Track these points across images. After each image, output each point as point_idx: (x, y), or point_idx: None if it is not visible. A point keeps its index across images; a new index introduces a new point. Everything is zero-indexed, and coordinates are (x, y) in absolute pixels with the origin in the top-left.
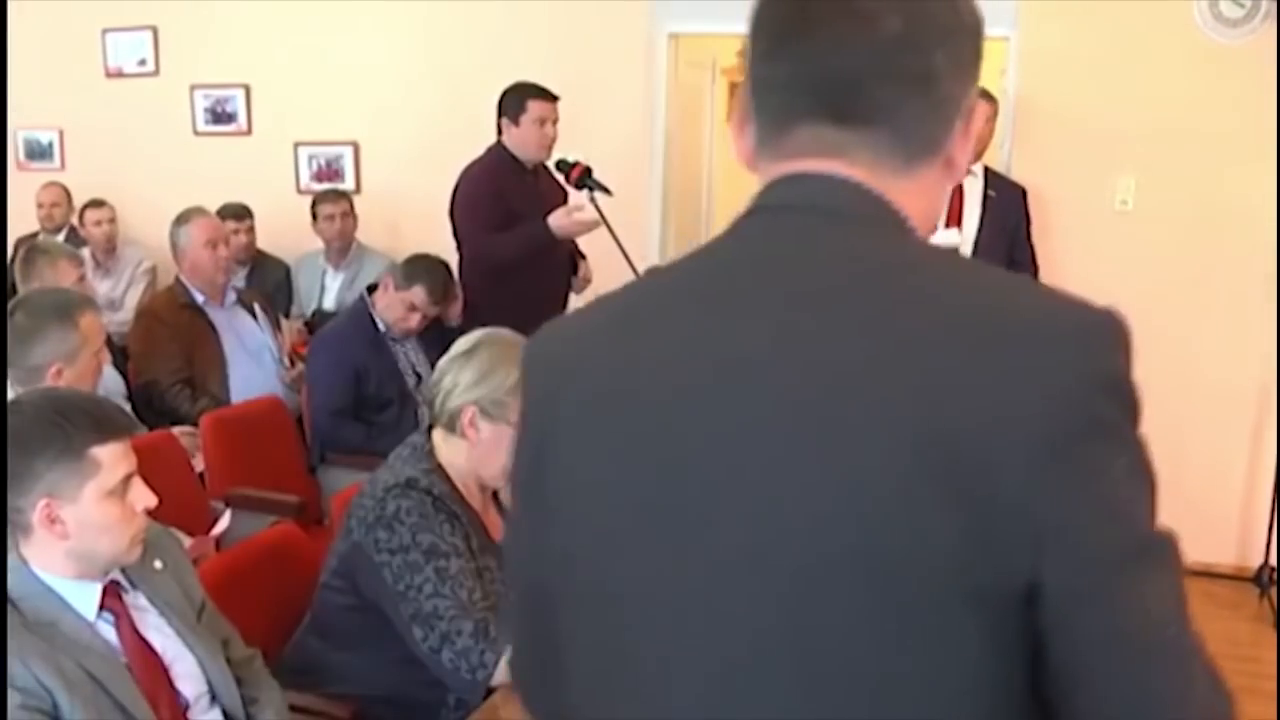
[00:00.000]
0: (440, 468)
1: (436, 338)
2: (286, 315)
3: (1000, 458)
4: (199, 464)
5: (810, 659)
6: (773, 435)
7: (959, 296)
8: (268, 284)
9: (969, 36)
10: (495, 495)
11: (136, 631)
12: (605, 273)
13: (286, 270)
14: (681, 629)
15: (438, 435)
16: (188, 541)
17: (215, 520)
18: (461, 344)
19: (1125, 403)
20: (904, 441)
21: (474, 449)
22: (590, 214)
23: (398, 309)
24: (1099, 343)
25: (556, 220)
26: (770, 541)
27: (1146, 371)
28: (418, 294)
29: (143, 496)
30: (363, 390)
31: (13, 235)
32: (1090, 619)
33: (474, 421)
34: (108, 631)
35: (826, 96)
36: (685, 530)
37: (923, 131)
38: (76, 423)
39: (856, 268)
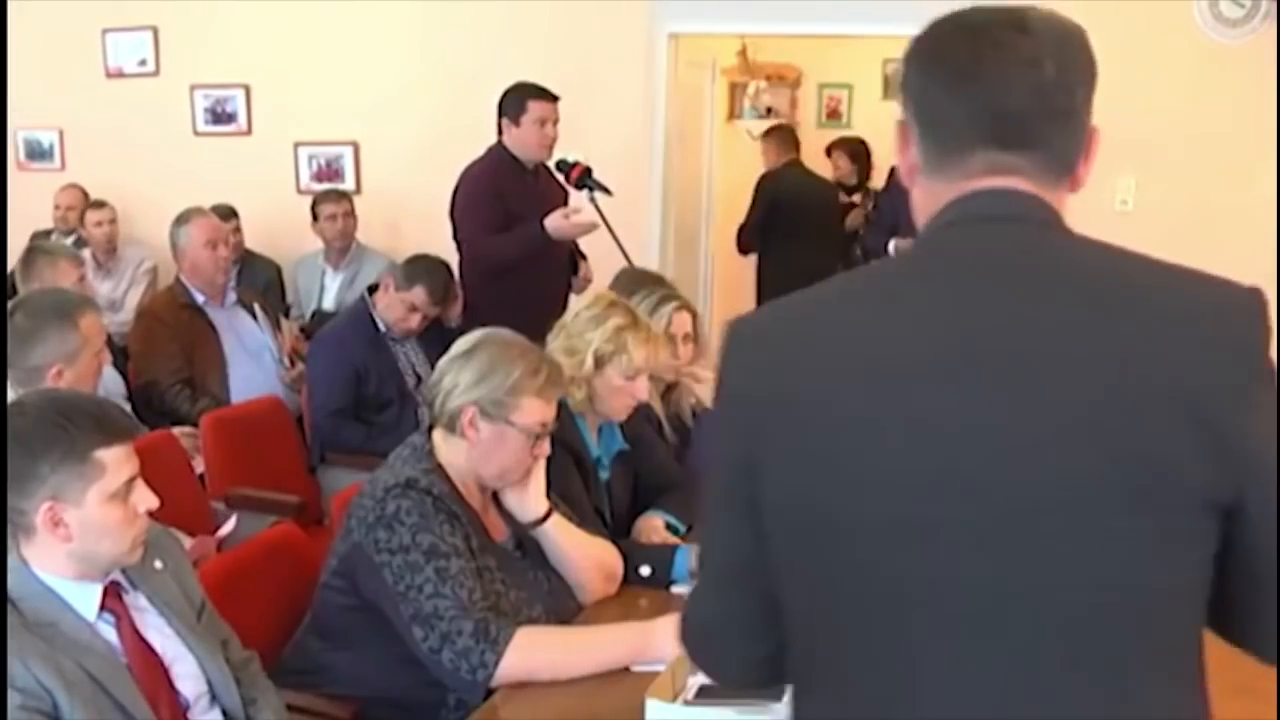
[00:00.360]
0: (440, 468)
1: (436, 338)
2: (286, 315)
3: (1216, 397)
4: (199, 465)
5: (1086, 583)
6: (1040, 395)
7: (1150, 277)
8: (257, 284)
9: (1094, 76)
10: (495, 495)
11: (137, 632)
12: (606, 272)
13: (277, 270)
14: (961, 560)
15: (438, 435)
16: (188, 542)
17: (219, 522)
18: (461, 344)
19: (1271, 358)
20: (1151, 390)
21: (474, 449)
22: (587, 216)
23: (398, 309)
24: (1261, 310)
25: (553, 222)
26: (1049, 482)
27: None
28: (418, 294)
29: (145, 498)
30: (362, 390)
31: (13, 240)
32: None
33: (474, 421)
34: (108, 632)
35: (998, 129)
36: (964, 486)
37: (1067, 155)
38: (81, 425)
39: (1061, 259)
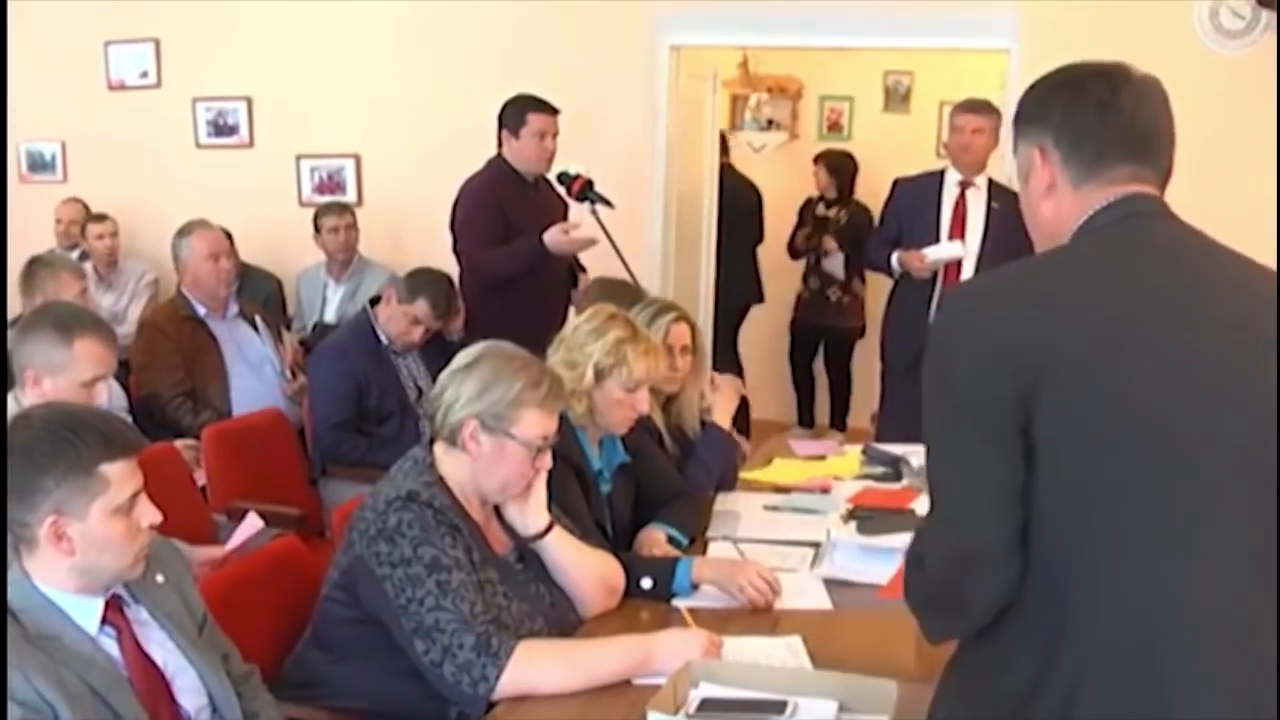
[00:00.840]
0: (442, 481)
1: (438, 351)
2: (288, 328)
3: None
4: (200, 477)
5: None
6: (1223, 341)
7: (1240, 257)
8: (257, 297)
9: (1172, 114)
10: (497, 507)
11: (138, 646)
12: None
13: (276, 283)
14: (1193, 499)
15: (439, 448)
16: (195, 552)
17: (221, 535)
18: (463, 357)
19: None
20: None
21: (475, 462)
22: (586, 232)
23: (400, 322)
24: None
25: (552, 237)
26: (1258, 430)
27: None
28: (421, 308)
29: (148, 513)
30: (364, 403)
31: (15, 253)
32: None
33: (475, 435)
34: (109, 645)
35: (1135, 146)
36: (1198, 446)
37: (1169, 167)
38: (86, 439)
39: (1198, 242)
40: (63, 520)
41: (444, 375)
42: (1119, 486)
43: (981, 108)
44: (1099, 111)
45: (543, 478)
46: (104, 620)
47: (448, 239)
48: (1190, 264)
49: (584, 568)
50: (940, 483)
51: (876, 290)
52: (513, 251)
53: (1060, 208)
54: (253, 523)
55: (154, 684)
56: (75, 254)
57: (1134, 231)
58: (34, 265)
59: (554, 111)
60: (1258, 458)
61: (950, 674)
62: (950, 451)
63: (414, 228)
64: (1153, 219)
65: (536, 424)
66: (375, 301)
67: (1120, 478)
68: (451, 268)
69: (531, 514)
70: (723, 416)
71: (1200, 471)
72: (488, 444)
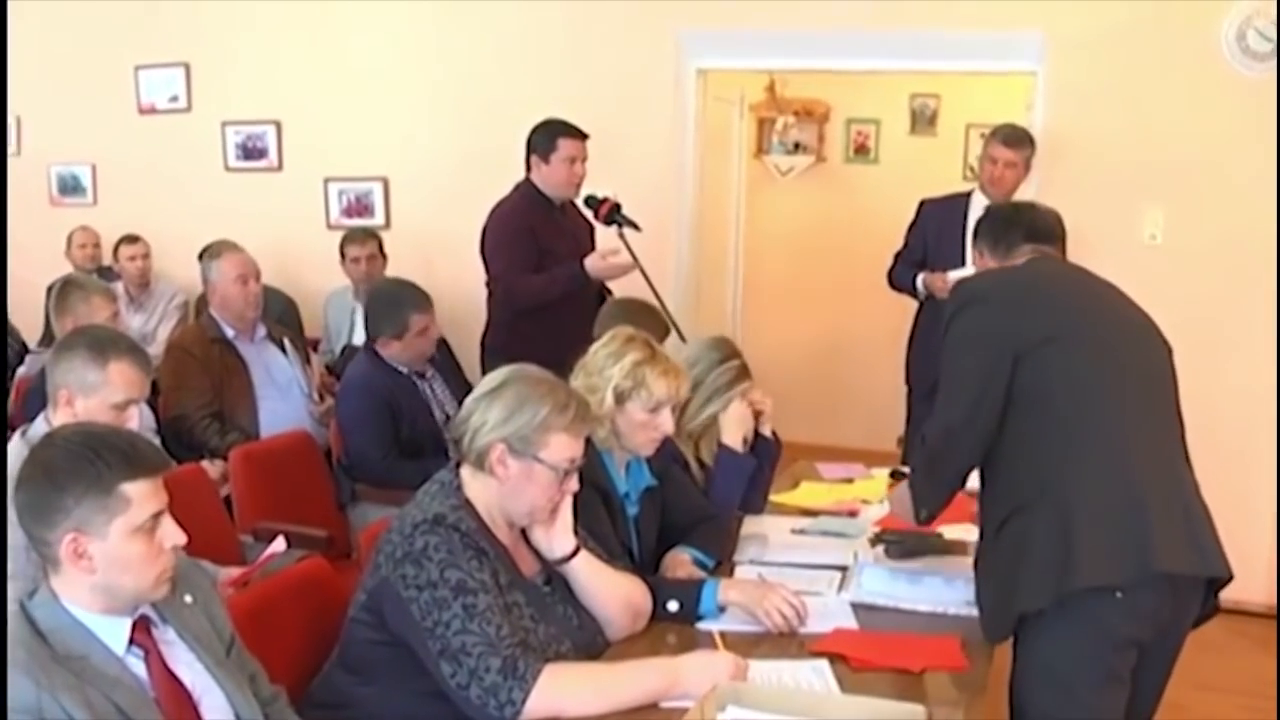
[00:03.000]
0: (468, 504)
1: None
2: (315, 349)
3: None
4: (225, 489)
5: (1163, 401)
6: (1143, 339)
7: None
8: (269, 317)
9: None
10: (524, 530)
11: (166, 667)
12: None
13: (289, 302)
14: (1129, 399)
15: (466, 471)
16: (221, 573)
17: (249, 556)
18: (489, 381)
19: None
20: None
21: (503, 485)
22: (625, 257)
23: (414, 348)
24: None
25: (592, 263)
26: (1154, 370)
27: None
28: (417, 322)
29: (172, 534)
30: (399, 431)
31: (47, 274)
32: None
33: (503, 459)
34: (137, 666)
35: (1040, 236)
36: (1125, 369)
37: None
38: (108, 458)
39: (1081, 269)
40: (82, 539)
41: (470, 399)
42: (1093, 387)
43: (1017, 141)
44: (999, 226)
45: (569, 502)
46: (131, 641)
47: (476, 262)
48: (1082, 273)
49: (610, 591)
50: (942, 391)
51: (898, 312)
52: (553, 278)
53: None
54: (280, 547)
55: (181, 705)
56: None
57: (1033, 263)
58: (67, 287)
59: (584, 136)
60: (1159, 374)
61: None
62: (955, 372)
63: (442, 251)
64: (1049, 259)
65: (564, 447)
66: (372, 340)
67: (1094, 380)
68: (480, 291)
69: (558, 538)
70: (732, 437)
71: (1136, 378)
72: (515, 468)
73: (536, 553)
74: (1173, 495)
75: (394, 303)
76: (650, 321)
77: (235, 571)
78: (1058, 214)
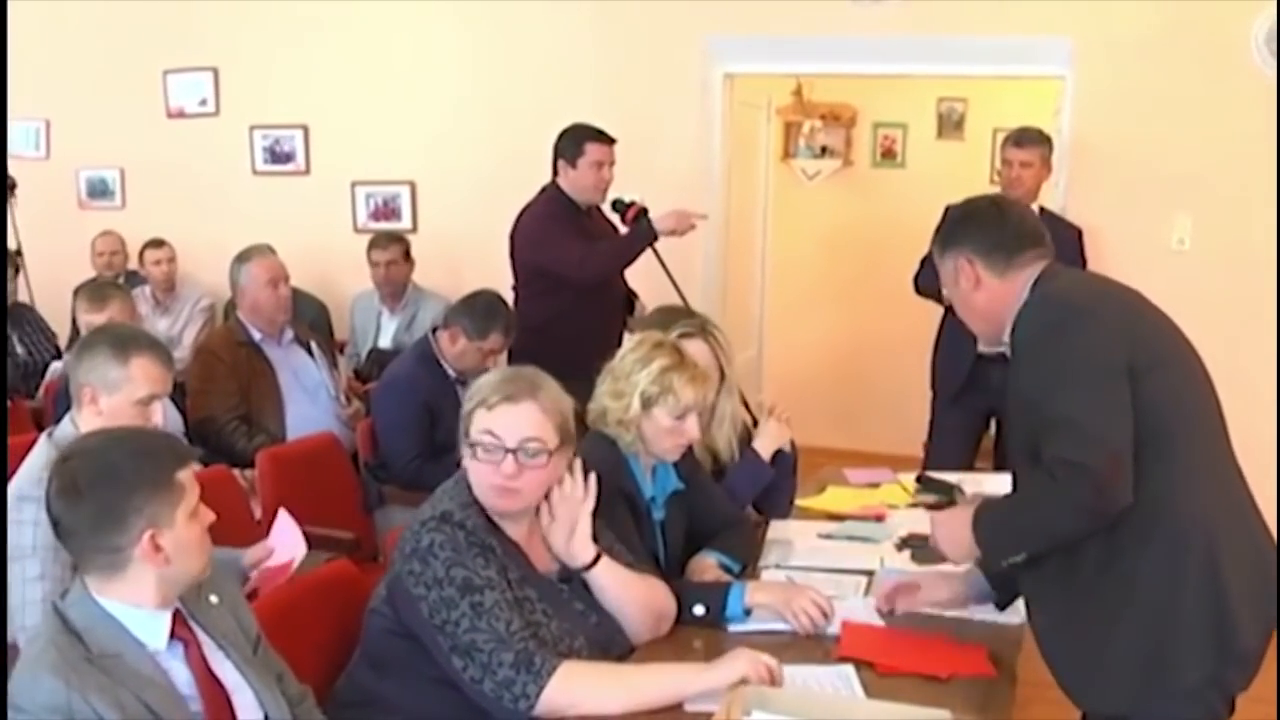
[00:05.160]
0: (478, 501)
1: None
2: (341, 352)
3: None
4: (257, 509)
5: (1221, 422)
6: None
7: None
8: (301, 321)
9: None
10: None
11: (205, 660)
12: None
13: (321, 307)
14: (1207, 422)
15: None
16: (245, 555)
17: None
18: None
19: None
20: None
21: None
22: (695, 208)
23: (475, 358)
24: None
25: (663, 219)
26: (1210, 387)
27: None
28: (495, 341)
29: (207, 514)
30: (434, 434)
31: (74, 277)
32: None
33: (467, 455)
34: (172, 663)
35: (1030, 239)
36: (1211, 395)
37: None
38: (159, 452)
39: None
40: (158, 533)
41: (464, 408)
42: (1200, 415)
43: (1027, 140)
44: (992, 229)
45: (587, 512)
46: (172, 635)
47: (504, 267)
48: (1131, 289)
49: (632, 596)
50: (1084, 417)
51: (924, 317)
52: (619, 241)
53: (992, 294)
54: (285, 523)
55: (218, 700)
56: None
57: (1084, 273)
58: (83, 291)
59: (611, 141)
60: (1215, 410)
61: (1063, 618)
62: (1094, 396)
63: (469, 255)
64: (1073, 269)
65: (482, 420)
66: (440, 328)
67: (1199, 408)
68: (508, 297)
69: (578, 547)
70: (766, 446)
71: (1209, 403)
72: (473, 467)
73: (553, 551)
74: (1267, 534)
75: (490, 313)
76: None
77: (259, 551)
78: (1031, 209)
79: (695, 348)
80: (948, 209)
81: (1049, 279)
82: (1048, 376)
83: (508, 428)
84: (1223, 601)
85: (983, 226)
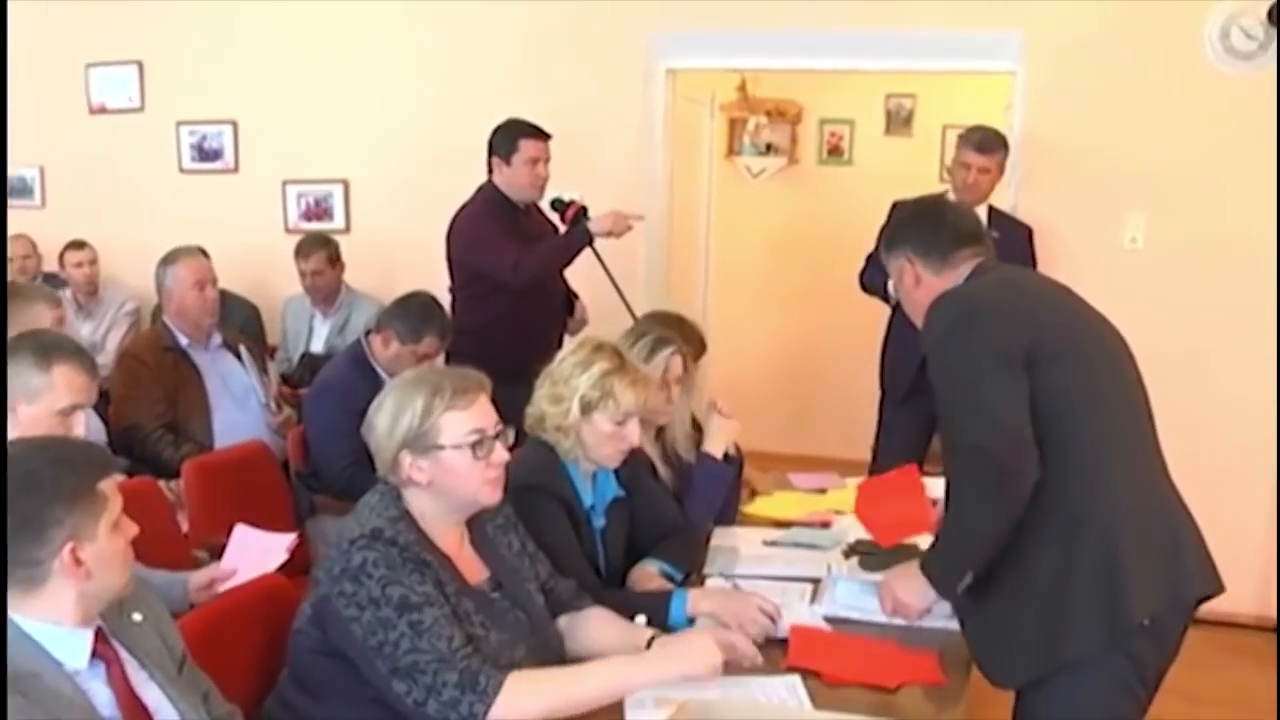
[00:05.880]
0: (409, 514)
1: None
2: (271, 357)
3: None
4: (184, 522)
5: (1149, 417)
6: (1124, 353)
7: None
8: (231, 325)
9: None
10: (471, 536)
11: (127, 679)
12: (600, 314)
13: (253, 310)
14: (1116, 411)
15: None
16: (193, 578)
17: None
18: (372, 405)
19: None
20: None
21: (432, 489)
22: (634, 209)
23: (409, 362)
24: None
25: (598, 219)
26: (1139, 385)
27: (1159, 415)
28: (429, 344)
29: (130, 527)
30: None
31: None
32: None
33: (414, 465)
34: (91, 683)
35: (967, 239)
36: (1126, 386)
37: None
38: (80, 462)
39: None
40: (79, 546)
41: (362, 429)
42: (1108, 405)
43: (989, 145)
44: (931, 229)
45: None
46: (94, 654)
47: (440, 268)
48: (1053, 282)
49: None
50: (981, 405)
51: (871, 316)
52: (555, 243)
53: (930, 290)
54: (248, 537)
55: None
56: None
57: (1004, 270)
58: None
59: (546, 136)
60: (1142, 389)
61: (980, 602)
62: (991, 384)
63: (404, 256)
64: (1002, 266)
65: (461, 423)
66: (372, 332)
67: (1107, 398)
68: (444, 299)
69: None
70: (716, 446)
71: (1123, 393)
72: (429, 467)
73: (482, 559)
74: (1185, 515)
75: (424, 316)
76: (685, 333)
77: (211, 572)
78: (971, 210)
79: (676, 364)
80: (895, 205)
81: (975, 277)
82: (948, 370)
83: (485, 416)
84: (1117, 576)
85: (921, 227)
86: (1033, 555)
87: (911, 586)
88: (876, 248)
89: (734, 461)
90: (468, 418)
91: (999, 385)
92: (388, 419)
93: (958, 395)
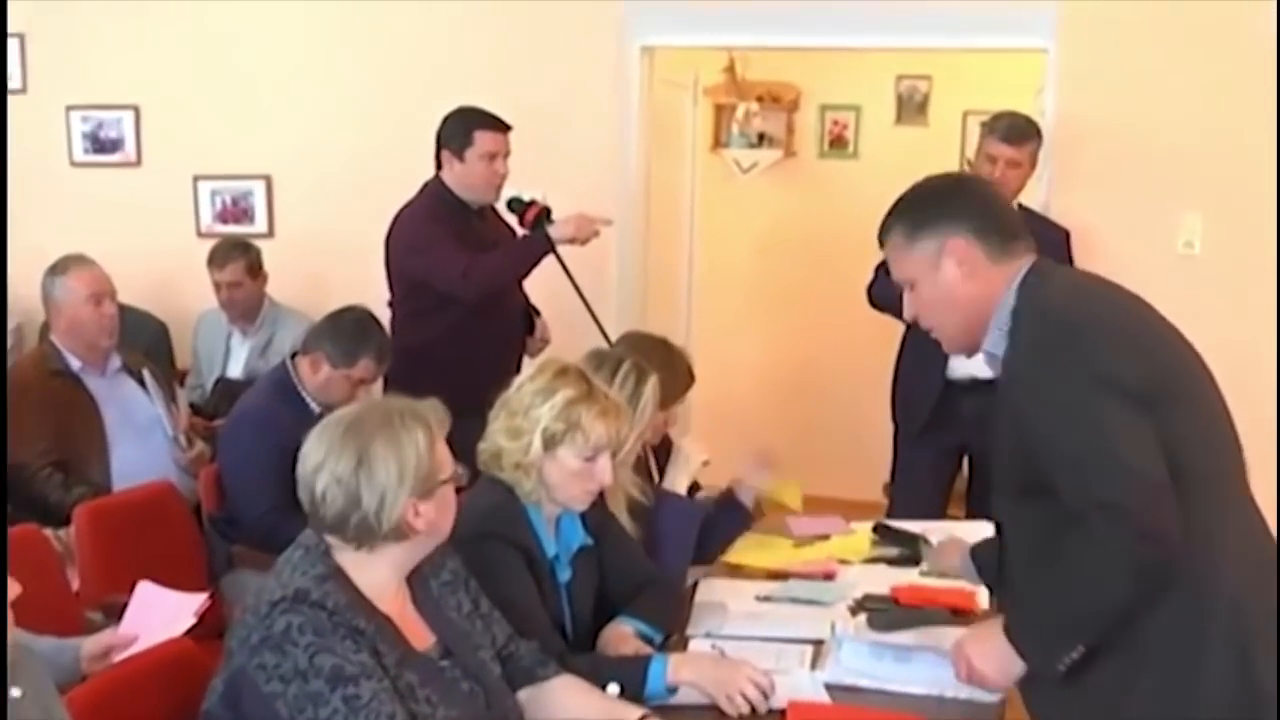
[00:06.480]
0: (340, 572)
1: None
2: (180, 383)
3: None
4: (74, 579)
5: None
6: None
7: None
8: (136, 346)
9: None
10: (415, 597)
11: None
12: (566, 331)
13: (160, 328)
14: (1229, 459)
15: (330, 538)
16: (85, 645)
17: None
18: (339, 454)
19: None
20: None
21: (424, 534)
22: (601, 214)
23: (342, 388)
24: None
25: (560, 224)
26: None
27: None
28: (365, 368)
29: (13, 586)
30: (293, 478)
31: None
32: None
33: (418, 511)
34: None
35: (1018, 228)
36: (1222, 418)
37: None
38: None
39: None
40: None
41: (328, 481)
42: (1211, 454)
43: (1019, 135)
44: (987, 205)
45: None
46: None
47: (378, 278)
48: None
49: None
50: (1111, 450)
51: (883, 335)
52: (509, 252)
53: (982, 285)
54: (151, 596)
55: None
56: None
57: (1076, 274)
58: None
59: (506, 128)
60: (1236, 445)
61: (1074, 677)
62: (1120, 425)
63: (336, 264)
64: (1070, 269)
65: (446, 456)
66: (295, 354)
67: (1210, 447)
68: (383, 314)
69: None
70: (677, 481)
71: (1230, 433)
72: (429, 509)
73: (427, 622)
74: None
75: (359, 335)
76: (672, 363)
77: (108, 637)
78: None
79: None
80: (915, 189)
81: (1039, 281)
82: (1054, 406)
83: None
84: (1250, 666)
85: (975, 202)
86: (1147, 635)
87: (994, 655)
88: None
89: (741, 509)
90: (444, 447)
91: (1130, 426)
92: (393, 467)
93: (1073, 437)
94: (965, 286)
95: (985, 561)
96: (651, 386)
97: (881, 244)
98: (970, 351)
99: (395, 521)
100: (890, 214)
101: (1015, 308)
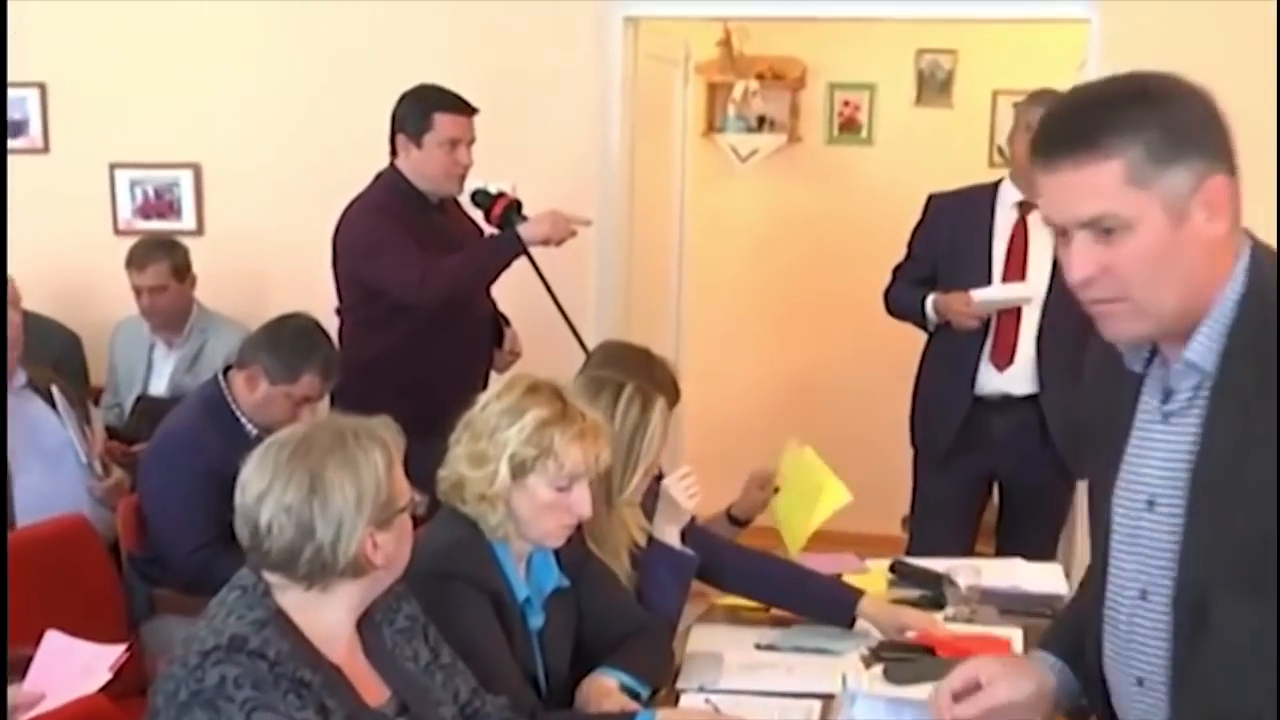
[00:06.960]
0: (281, 614)
1: None
2: (95, 402)
3: None
4: None
5: None
6: None
7: None
8: (44, 361)
9: None
10: (366, 647)
11: None
12: (540, 342)
13: (73, 340)
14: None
15: (275, 577)
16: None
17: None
18: (288, 482)
19: None
20: None
21: (384, 567)
22: (579, 213)
23: (282, 407)
24: None
25: (532, 223)
26: None
27: None
28: (309, 384)
29: None
30: (227, 509)
31: None
32: None
33: (375, 542)
34: None
35: None
36: None
37: None
38: None
39: None
40: None
41: (268, 514)
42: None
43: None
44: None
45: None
46: None
47: (324, 281)
48: None
49: None
50: None
51: (900, 345)
52: (475, 253)
53: (1223, 252)
54: (59, 647)
55: None
56: None
57: None
58: None
59: (471, 111)
60: None
61: None
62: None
63: (276, 266)
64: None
65: (403, 483)
66: (233, 368)
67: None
68: (330, 320)
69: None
70: (667, 528)
71: None
72: (388, 539)
73: (380, 674)
74: None
75: (302, 346)
76: (654, 376)
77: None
78: None
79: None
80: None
81: (1275, 264)
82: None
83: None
84: None
85: (1223, 127)
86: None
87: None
88: (909, 255)
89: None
90: (401, 475)
91: None
92: (350, 492)
93: None
94: (1207, 249)
95: (1069, 650)
96: (659, 412)
97: (1062, 159)
98: (1164, 338)
99: (352, 555)
100: (1113, 117)
101: (1243, 295)
